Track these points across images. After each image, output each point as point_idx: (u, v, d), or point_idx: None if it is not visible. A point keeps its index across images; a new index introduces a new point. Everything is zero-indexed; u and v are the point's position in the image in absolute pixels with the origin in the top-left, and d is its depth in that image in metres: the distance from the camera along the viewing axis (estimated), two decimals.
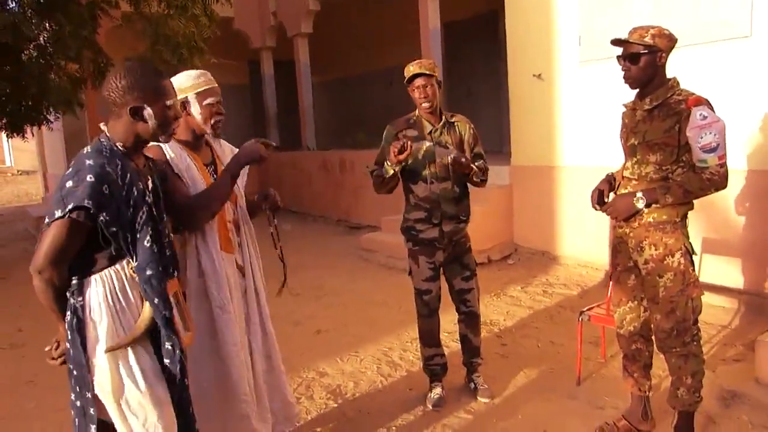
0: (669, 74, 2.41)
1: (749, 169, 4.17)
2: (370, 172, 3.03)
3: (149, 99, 1.70)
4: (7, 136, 7.86)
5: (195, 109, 2.20)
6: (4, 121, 6.98)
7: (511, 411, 2.99)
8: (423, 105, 2.91)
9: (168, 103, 1.75)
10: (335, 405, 3.15)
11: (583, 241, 5.46)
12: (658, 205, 2.37)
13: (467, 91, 10.01)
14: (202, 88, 2.21)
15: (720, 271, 4.44)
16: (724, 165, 2.27)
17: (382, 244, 6.65)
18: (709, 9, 4.27)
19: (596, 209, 2.58)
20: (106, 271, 1.71)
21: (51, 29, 6.44)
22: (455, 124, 3.01)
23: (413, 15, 7.71)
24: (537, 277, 5.41)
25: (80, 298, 1.69)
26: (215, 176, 2.29)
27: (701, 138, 2.24)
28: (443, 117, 2.97)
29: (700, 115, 2.24)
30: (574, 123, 5.49)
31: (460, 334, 3.20)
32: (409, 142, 2.74)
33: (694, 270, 2.42)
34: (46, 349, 1.85)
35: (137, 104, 1.68)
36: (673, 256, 2.38)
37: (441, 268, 3.08)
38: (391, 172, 2.87)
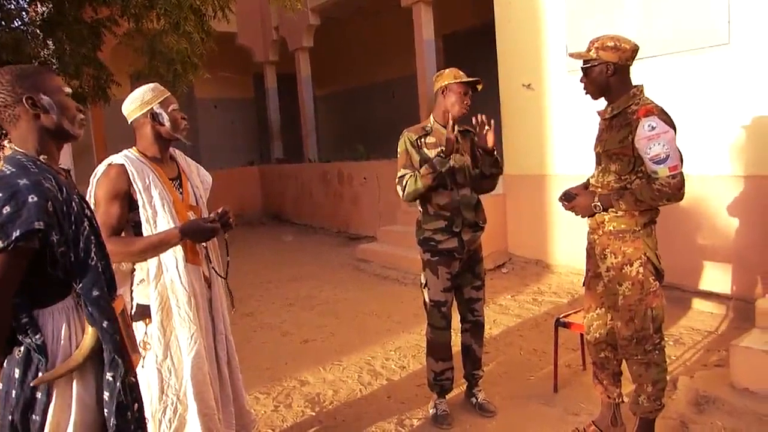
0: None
1: (737, 174, 4.17)
2: (400, 177, 2.92)
3: (40, 87, 1.56)
4: None
5: (164, 118, 2.25)
6: None
7: (485, 418, 3.00)
8: (461, 112, 2.94)
9: (65, 90, 1.62)
10: (312, 413, 3.17)
11: (576, 248, 5.42)
12: (617, 213, 2.39)
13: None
14: (163, 97, 2.27)
15: (709, 277, 4.43)
16: (676, 176, 2.23)
17: (376, 254, 6.70)
18: (689, 17, 4.30)
19: (562, 204, 2.56)
20: (65, 301, 1.56)
21: (54, 46, 6.57)
22: (466, 131, 3.09)
23: (411, 27, 7.80)
24: (529, 285, 5.41)
25: (38, 336, 1.49)
26: (181, 191, 2.33)
27: (649, 149, 2.22)
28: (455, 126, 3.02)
29: (648, 126, 2.21)
30: (565, 131, 5.51)
31: (463, 345, 3.13)
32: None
33: (656, 280, 2.39)
34: None
35: (30, 94, 1.53)
36: (631, 265, 2.37)
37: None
38: (449, 164, 2.83)
